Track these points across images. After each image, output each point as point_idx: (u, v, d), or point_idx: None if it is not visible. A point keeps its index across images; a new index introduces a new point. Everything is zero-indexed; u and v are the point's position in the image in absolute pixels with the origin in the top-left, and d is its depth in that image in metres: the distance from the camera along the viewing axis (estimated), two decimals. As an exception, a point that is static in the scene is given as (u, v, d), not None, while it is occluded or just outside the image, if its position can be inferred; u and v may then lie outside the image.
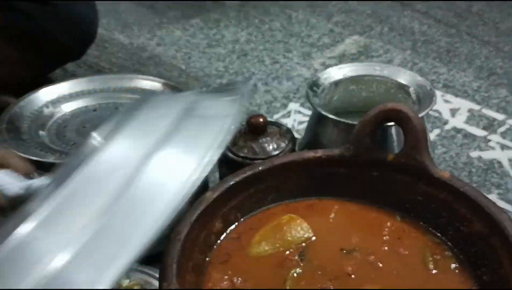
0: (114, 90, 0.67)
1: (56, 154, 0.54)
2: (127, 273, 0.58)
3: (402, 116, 0.53)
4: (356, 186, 0.57)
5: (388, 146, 0.62)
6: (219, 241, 0.53)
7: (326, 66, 1.06)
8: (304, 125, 0.88)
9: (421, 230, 0.52)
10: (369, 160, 0.55)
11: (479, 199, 0.48)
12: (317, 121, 0.67)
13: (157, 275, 0.57)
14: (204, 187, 0.66)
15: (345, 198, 0.57)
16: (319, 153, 0.56)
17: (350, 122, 0.62)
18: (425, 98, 0.64)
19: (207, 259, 0.50)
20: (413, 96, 0.67)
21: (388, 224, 0.53)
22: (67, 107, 0.64)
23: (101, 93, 0.67)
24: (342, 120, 0.62)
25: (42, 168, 0.55)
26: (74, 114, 0.64)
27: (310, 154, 0.56)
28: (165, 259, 0.45)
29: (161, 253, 0.62)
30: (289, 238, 0.52)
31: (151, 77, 0.68)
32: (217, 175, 0.76)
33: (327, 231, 0.53)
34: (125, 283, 0.57)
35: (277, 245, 0.51)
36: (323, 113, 0.64)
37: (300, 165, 0.56)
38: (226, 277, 0.48)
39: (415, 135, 0.52)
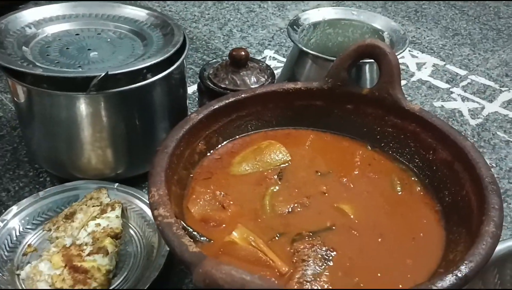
0: (96, 17, 0.67)
1: (40, 69, 0.55)
2: (107, 193, 0.60)
3: (379, 52, 0.56)
4: (331, 118, 0.60)
5: (361, 83, 0.66)
6: (202, 161, 0.55)
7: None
8: (280, 70, 0.90)
9: (390, 158, 0.57)
10: (345, 93, 0.58)
11: (445, 129, 0.53)
12: (296, 58, 0.69)
13: (138, 195, 0.60)
14: (182, 113, 0.69)
15: (320, 129, 0.60)
16: (299, 84, 0.59)
17: (328, 57, 0.64)
18: (399, 42, 0.68)
19: (191, 175, 0.53)
20: (387, 40, 0.70)
21: (360, 152, 0.57)
22: (50, 29, 0.64)
23: (84, 18, 0.67)
24: (321, 55, 0.65)
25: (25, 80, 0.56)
26: (57, 36, 0.63)
27: (290, 85, 0.59)
28: (154, 169, 0.47)
29: (140, 175, 0.65)
30: (268, 160, 0.55)
31: (135, 7, 0.69)
32: (195, 106, 0.78)
33: (303, 156, 0.56)
34: (106, 201, 0.59)
35: (257, 166, 0.54)
36: (303, 48, 0.66)
37: (280, 95, 0.59)
38: (208, 190, 0.51)
39: (390, 70, 0.56)
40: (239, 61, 0.65)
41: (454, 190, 0.50)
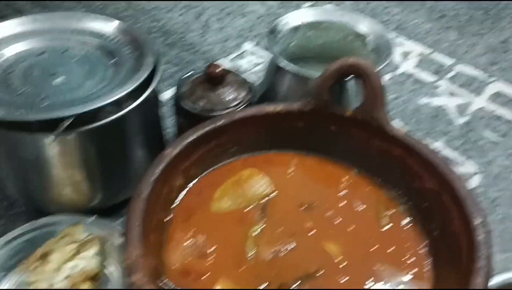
0: (60, 32, 0.63)
1: (3, 107, 0.51)
2: (84, 227, 0.57)
3: (362, 72, 0.53)
4: (314, 140, 0.57)
5: (345, 99, 0.63)
6: (180, 197, 0.53)
7: (280, 3, 1.03)
8: (260, 67, 0.86)
9: (376, 184, 0.54)
10: (328, 115, 0.56)
11: (431, 157, 0.50)
12: (275, 71, 0.66)
13: (116, 228, 0.57)
14: (159, 139, 0.65)
15: (303, 151, 0.58)
16: (279, 107, 0.56)
17: (308, 74, 0.61)
18: (383, 49, 0.64)
19: (170, 216, 0.51)
20: (370, 46, 0.67)
21: (346, 178, 0.55)
22: (10, 50, 0.59)
23: (47, 34, 0.62)
24: (301, 71, 0.62)
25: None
26: (19, 58, 0.59)
27: (271, 108, 0.56)
28: (129, 220, 0.44)
29: (120, 204, 0.62)
30: (250, 193, 0.52)
31: (103, 16, 0.64)
32: (170, 121, 0.74)
33: (286, 185, 0.54)
34: (82, 237, 0.56)
35: (239, 201, 0.52)
36: (281, 63, 0.63)
37: (260, 119, 0.56)
38: (189, 234, 0.48)
39: (373, 92, 0.53)
40: (215, 78, 0.61)
41: (443, 224, 0.48)
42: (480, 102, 0.80)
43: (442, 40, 0.95)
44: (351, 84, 0.62)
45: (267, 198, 0.52)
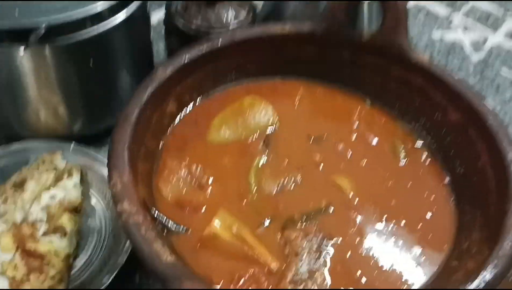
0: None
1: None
2: (63, 155, 0.51)
3: (384, -10, 0.46)
4: (324, 68, 0.51)
5: (360, 24, 0.56)
6: (173, 125, 0.47)
7: None
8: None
9: (392, 117, 0.49)
10: (342, 39, 0.49)
11: (458, 87, 0.45)
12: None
13: (99, 156, 0.51)
14: (147, 59, 0.58)
15: (312, 80, 0.52)
16: (287, 28, 0.49)
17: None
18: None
19: (161, 144, 0.45)
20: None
21: (358, 110, 0.49)
22: None
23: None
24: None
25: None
26: None
27: (277, 28, 0.49)
28: (114, 146, 0.38)
29: (100, 132, 0.56)
30: (252, 124, 0.46)
31: None
32: (161, 46, 0.67)
33: (293, 116, 0.48)
34: (61, 165, 0.50)
35: (239, 130, 0.46)
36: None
37: (265, 41, 0.49)
38: (183, 164, 0.43)
39: (396, 13, 0.46)
40: (214, -7, 0.54)
41: (467, 160, 0.44)
42: (496, 38, 0.74)
43: (456, -27, 0.87)
44: (367, 6, 0.55)
45: (271, 129, 0.47)
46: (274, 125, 0.47)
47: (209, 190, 0.41)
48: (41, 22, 0.43)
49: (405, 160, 0.45)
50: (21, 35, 0.44)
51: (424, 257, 0.39)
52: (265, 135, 0.46)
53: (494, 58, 0.71)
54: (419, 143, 0.47)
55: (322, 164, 0.44)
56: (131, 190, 0.36)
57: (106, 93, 0.53)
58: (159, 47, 0.67)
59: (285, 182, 0.42)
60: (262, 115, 0.47)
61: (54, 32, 0.44)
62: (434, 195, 0.43)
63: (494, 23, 0.77)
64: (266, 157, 0.44)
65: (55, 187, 0.48)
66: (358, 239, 0.39)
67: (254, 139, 0.46)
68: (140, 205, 0.35)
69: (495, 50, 0.72)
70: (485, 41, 0.73)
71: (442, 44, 0.73)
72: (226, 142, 0.45)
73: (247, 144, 0.45)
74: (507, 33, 0.75)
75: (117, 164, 0.37)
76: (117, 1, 0.47)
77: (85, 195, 0.50)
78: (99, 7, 0.46)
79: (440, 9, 0.79)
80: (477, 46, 0.73)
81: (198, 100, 0.48)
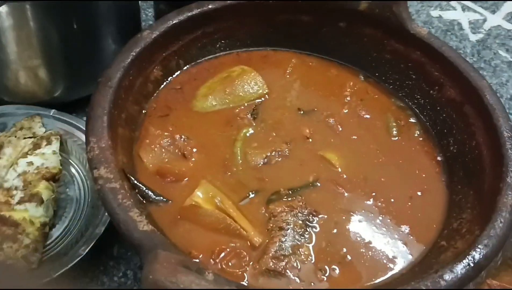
0: None
1: None
2: (42, 122, 0.49)
3: (383, -43, 0.44)
4: (319, 38, 0.49)
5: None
6: (157, 92, 0.44)
7: None
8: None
9: (386, 92, 0.47)
10: (338, 8, 0.47)
11: (457, 62, 0.43)
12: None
13: (80, 124, 0.49)
14: (135, 25, 0.56)
15: (304, 51, 0.50)
16: (281, -6, 0.47)
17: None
18: None
19: (144, 111, 0.43)
20: None
21: (351, 83, 0.47)
22: None
23: None
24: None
25: None
26: None
27: (271, -6, 0.47)
28: (93, 109, 0.36)
29: (82, 99, 0.54)
30: (240, 94, 0.45)
31: None
32: (151, 12, 0.65)
33: (283, 88, 0.46)
34: (40, 132, 0.48)
35: (227, 100, 0.44)
36: None
37: (257, 7, 0.47)
38: (166, 133, 0.41)
39: (395, -19, 0.45)
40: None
41: (461, 138, 0.42)
42: (495, 19, 0.72)
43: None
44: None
45: (259, 100, 0.45)
46: (263, 97, 0.45)
47: (192, 160, 0.40)
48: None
49: (397, 137, 0.44)
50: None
51: (412, 236, 0.38)
52: (253, 105, 0.44)
53: (492, 39, 0.69)
54: (413, 120, 0.45)
55: (311, 138, 0.42)
56: (109, 156, 0.34)
57: (89, 58, 0.51)
58: (148, 14, 0.65)
59: (272, 155, 0.41)
60: (252, 85, 0.45)
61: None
62: (425, 173, 0.41)
63: (493, 5, 0.75)
64: (253, 129, 0.42)
65: (32, 155, 0.46)
66: (344, 216, 0.38)
67: (241, 110, 0.44)
68: (118, 172, 0.34)
69: (493, 32, 0.70)
70: (484, 21, 0.72)
71: (441, 22, 0.71)
72: (212, 111, 0.43)
73: (234, 114, 0.43)
74: (507, 15, 0.73)
75: (95, 128, 0.35)
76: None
77: (64, 163, 0.48)
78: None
79: (440, -13, 0.77)
80: (475, 26, 0.71)
81: (185, 67, 0.46)
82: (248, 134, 0.42)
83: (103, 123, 0.36)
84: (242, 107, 0.44)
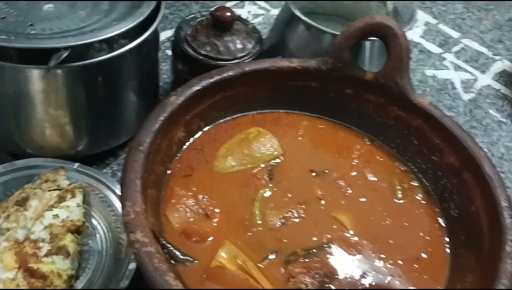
0: None
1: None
2: (66, 175, 0.51)
3: (388, 33, 0.48)
4: (327, 103, 0.53)
5: (360, 61, 0.58)
6: (180, 152, 0.48)
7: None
8: (260, 19, 0.81)
9: (390, 155, 0.51)
10: (346, 76, 0.51)
11: (456, 132, 0.47)
12: (287, 22, 0.60)
13: (101, 177, 0.52)
14: (154, 86, 0.59)
15: (314, 114, 0.54)
16: (295, 63, 0.51)
17: (326, 29, 0.56)
18: (404, 14, 0.60)
19: (168, 172, 0.46)
20: (390, 7, 0.62)
21: (358, 146, 0.51)
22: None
23: None
24: (317, 25, 0.57)
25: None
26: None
27: (285, 63, 0.51)
28: (127, 174, 0.39)
29: (105, 153, 0.57)
30: (257, 155, 0.48)
31: None
32: (165, 66, 0.68)
33: (296, 149, 0.50)
34: (65, 184, 0.51)
35: (245, 161, 0.47)
36: (297, 13, 0.57)
37: (272, 74, 0.51)
38: (190, 193, 0.44)
39: (399, 54, 0.49)
40: (223, 24, 0.55)
41: (461, 203, 0.46)
42: (485, 79, 0.77)
43: (448, 12, 0.91)
44: (370, 44, 0.58)
45: (275, 161, 0.48)
46: (278, 158, 0.48)
47: (215, 220, 0.42)
48: (64, 44, 0.44)
49: (402, 199, 0.47)
50: (36, 56, 0.44)
51: (419, 297, 0.41)
52: (269, 166, 0.48)
53: (483, 98, 0.74)
54: (416, 183, 0.49)
55: (323, 199, 0.46)
56: (143, 220, 0.37)
57: (111, 114, 0.54)
58: (162, 66, 0.68)
59: (288, 215, 0.44)
60: (268, 147, 0.48)
61: (72, 55, 0.44)
62: (429, 236, 0.45)
63: (483, 65, 0.80)
64: (270, 190, 0.46)
65: (58, 207, 0.49)
66: (358, 277, 0.41)
67: (258, 170, 0.47)
68: (151, 234, 0.36)
69: (484, 91, 0.75)
70: (475, 81, 0.77)
71: (435, 81, 0.75)
72: (231, 171, 0.47)
73: (252, 175, 0.47)
74: (495, 75, 0.78)
75: (130, 193, 0.38)
76: (133, 26, 0.48)
77: (87, 216, 0.50)
78: (117, 30, 0.47)
79: (433, 47, 0.82)
80: (467, 85, 0.76)
81: (205, 128, 0.50)
82: (265, 195, 0.45)
83: (136, 187, 0.38)
84: (259, 168, 0.47)
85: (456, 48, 0.82)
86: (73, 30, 0.48)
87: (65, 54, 0.43)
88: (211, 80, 0.48)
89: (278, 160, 0.48)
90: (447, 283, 0.42)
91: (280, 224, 0.43)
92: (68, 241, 0.46)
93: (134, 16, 0.49)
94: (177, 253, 0.39)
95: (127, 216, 0.37)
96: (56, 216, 0.48)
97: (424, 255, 0.43)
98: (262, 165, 0.47)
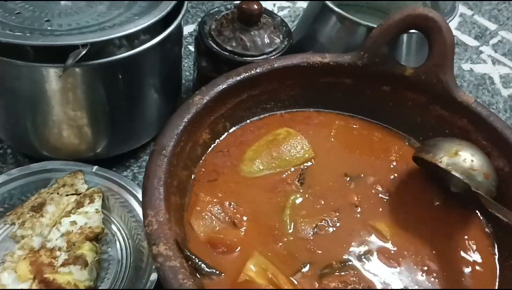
0: None
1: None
2: (84, 178, 0.49)
3: (431, 26, 0.45)
4: (362, 101, 0.49)
5: (396, 56, 0.54)
6: (205, 155, 0.45)
7: None
8: (285, 12, 0.77)
9: (431, 158, 0.47)
10: (383, 72, 0.47)
11: (505, 133, 0.43)
12: (317, 14, 0.57)
13: (121, 180, 0.49)
14: (177, 84, 0.56)
15: (347, 113, 0.50)
16: (327, 58, 0.48)
17: (361, 21, 0.52)
18: (444, 4, 0.56)
19: (193, 176, 0.43)
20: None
21: (396, 148, 0.48)
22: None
23: None
24: (350, 17, 0.53)
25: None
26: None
27: (317, 58, 0.48)
28: (149, 180, 0.36)
29: (122, 154, 0.54)
30: (287, 158, 0.44)
31: None
32: (187, 62, 0.65)
33: (328, 151, 0.46)
34: (83, 189, 0.48)
35: (273, 164, 0.44)
36: (329, 4, 0.53)
37: (303, 70, 0.48)
38: (215, 200, 0.41)
39: (443, 50, 0.45)
40: (249, 18, 0.52)
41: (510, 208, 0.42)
42: (526, 74, 0.72)
43: (484, 3, 0.86)
44: (405, 39, 0.54)
45: (306, 164, 0.45)
46: (309, 161, 0.45)
47: (242, 229, 0.39)
48: (83, 40, 0.41)
49: (444, 206, 0.43)
50: (54, 54, 0.42)
51: (467, 315, 0.37)
52: (300, 170, 0.44)
53: (524, 94, 0.69)
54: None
55: (359, 206, 0.42)
56: (167, 231, 0.34)
57: (132, 115, 0.51)
58: (184, 63, 0.65)
59: (322, 224, 0.40)
60: (298, 149, 0.45)
61: (91, 52, 0.42)
62: (475, 246, 0.41)
63: (523, 57, 0.75)
64: (300, 196, 0.42)
65: (76, 213, 0.46)
66: (398, 291, 0.37)
67: (288, 175, 0.44)
68: (175, 245, 0.33)
69: (525, 86, 0.71)
70: (515, 75, 0.72)
71: (472, 76, 0.71)
72: (259, 175, 0.43)
73: (281, 180, 0.43)
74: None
75: (152, 201, 0.35)
76: (156, 21, 0.45)
77: (106, 222, 0.48)
78: (139, 26, 0.44)
79: (469, 40, 0.77)
80: (506, 81, 0.71)
81: (231, 130, 0.47)
82: (296, 201, 0.42)
83: (159, 195, 0.36)
84: (289, 172, 0.44)
85: (493, 41, 0.78)
86: (92, 25, 0.45)
87: (84, 51, 0.40)
88: (238, 78, 0.45)
89: (309, 163, 0.45)
90: (498, 301, 0.38)
91: (312, 233, 0.40)
92: (86, 249, 0.44)
93: (156, 11, 0.46)
94: (203, 265, 0.36)
95: (150, 226, 0.34)
96: (73, 222, 0.46)
97: (469, 267, 0.39)
98: (292, 169, 0.44)
